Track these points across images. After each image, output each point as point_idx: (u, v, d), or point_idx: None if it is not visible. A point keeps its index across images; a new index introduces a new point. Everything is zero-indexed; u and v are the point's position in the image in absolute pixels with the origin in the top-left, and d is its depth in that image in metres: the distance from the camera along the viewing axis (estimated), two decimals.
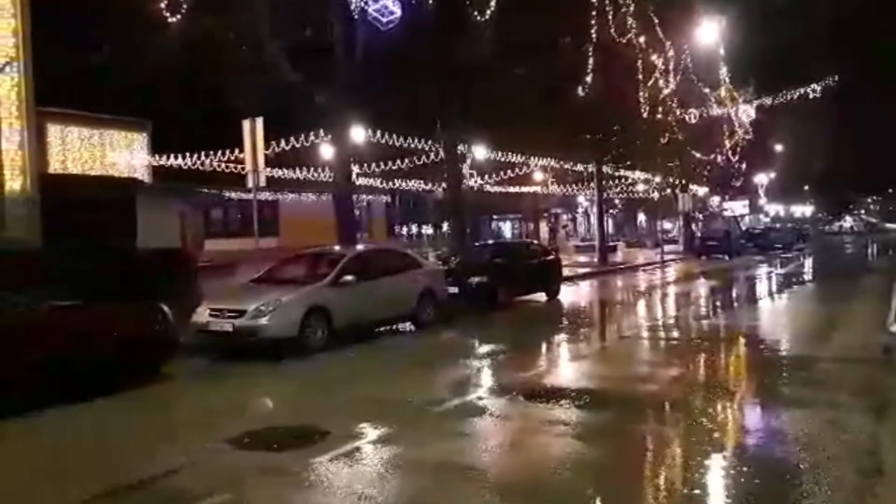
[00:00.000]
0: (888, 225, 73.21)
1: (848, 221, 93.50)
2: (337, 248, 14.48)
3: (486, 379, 9.26)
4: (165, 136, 26.84)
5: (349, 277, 11.60)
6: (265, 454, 6.09)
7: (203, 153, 27.63)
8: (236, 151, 24.42)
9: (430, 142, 27.06)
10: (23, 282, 8.75)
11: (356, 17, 15.13)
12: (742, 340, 11.98)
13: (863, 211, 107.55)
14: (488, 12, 17.52)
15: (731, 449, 5.99)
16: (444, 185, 25.98)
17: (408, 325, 13.27)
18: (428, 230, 46.71)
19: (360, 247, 15.08)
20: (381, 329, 12.77)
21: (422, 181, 35.80)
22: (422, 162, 29.61)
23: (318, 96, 16.65)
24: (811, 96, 29.05)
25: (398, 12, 14.63)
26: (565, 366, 10.24)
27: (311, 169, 30.43)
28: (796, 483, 5.00)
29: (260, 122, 13.55)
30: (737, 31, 30.45)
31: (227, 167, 28.15)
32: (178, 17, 12.80)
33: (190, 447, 6.29)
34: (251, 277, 12.73)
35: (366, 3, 14.52)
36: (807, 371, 8.92)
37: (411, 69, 20.75)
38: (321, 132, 24.19)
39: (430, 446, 6.19)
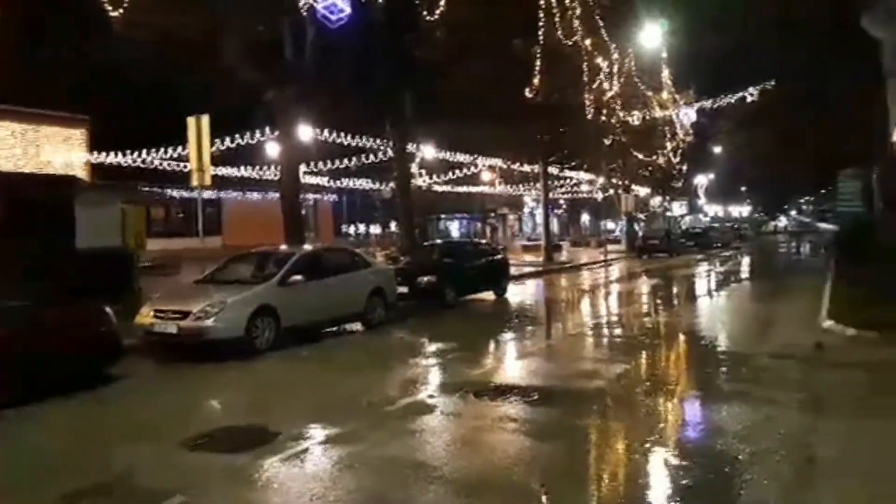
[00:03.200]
0: (820, 225, 76.10)
1: (783, 221, 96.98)
2: (284, 247, 14.34)
3: (437, 377, 9.32)
4: (108, 132, 26.04)
5: (297, 277, 11.52)
6: (217, 456, 6.02)
7: (146, 150, 26.97)
8: (180, 149, 23.93)
9: (379, 140, 27.01)
10: None
11: (305, 14, 14.98)
12: (683, 337, 12.35)
13: (795, 211, 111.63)
14: (438, 12, 17.56)
15: (673, 442, 6.19)
16: (392, 184, 25.97)
17: (357, 325, 13.23)
18: (376, 229, 46.57)
19: (307, 246, 14.95)
20: (331, 329, 12.70)
21: (370, 180, 35.70)
22: (370, 161, 29.55)
23: (267, 94, 16.44)
24: (749, 100, 30.04)
25: (348, 10, 14.54)
26: (514, 363, 10.39)
27: (258, 167, 30.01)
28: (735, 475, 5.21)
29: (206, 119, 13.31)
30: (679, 35, 31.28)
31: (170, 164, 27.55)
32: (121, 11, 12.45)
33: (139, 451, 6.17)
34: (196, 278, 12.51)
35: (315, 0, 14.39)
36: (745, 367, 9.25)
37: (362, 67, 20.68)
38: (268, 130, 23.89)
39: (381, 445, 6.21)
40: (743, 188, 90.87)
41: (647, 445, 6.03)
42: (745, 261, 35.00)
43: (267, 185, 31.13)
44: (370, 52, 20.84)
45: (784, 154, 47.91)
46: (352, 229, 47.62)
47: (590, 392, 8.06)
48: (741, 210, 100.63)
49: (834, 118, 29.04)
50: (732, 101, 30.87)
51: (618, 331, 13.32)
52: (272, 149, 26.14)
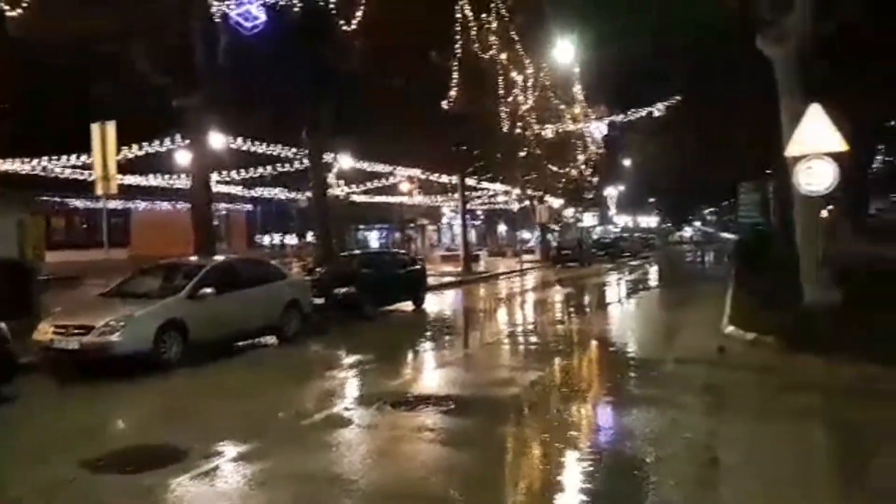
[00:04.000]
0: (723, 234, 79.91)
1: (688, 231, 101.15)
2: (194, 258, 13.89)
3: (353, 390, 9.24)
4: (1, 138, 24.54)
5: (207, 290, 11.17)
6: (122, 477, 5.76)
7: (47, 157, 25.58)
8: (84, 157, 22.83)
9: (295, 149, 26.60)
10: None
11: (218, 20, 14.61)
12: (595, 344, 12.71)
13: (700, 222, 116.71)
14: (355, 22, 17.50)
15: (585, 447, 6.35)
16: (308, 193, 25.60)
17: (272, 339, 12.95)
18: (292, 240, 45.74)
19: (219, 257, 14.54)
20: (244, 343, 12.38)
21: (286, 189, 35.08)
22: (286, 169, 29.05)
23: (177, 100, 15.92)
24: (656, 114, 31.30)
25: (263, 17, 14.30)
26: (431, 373, 10.41)
27: (168, 175, 28.97)
28: (644, 478, 5.40)
29: (111, 126, 12.75)
30: (591, 51, 32.26)
31: (73, 173, 26.23)
32: (19, 11, 11.80)
33: (38, 473, 5.83)
34: (101, 291, 11.96)
35: (228, 6, 14.07)
36: (653, 371, 9.61)
37: (278, 76, 20.34)
38: (178, 137, 23.13)
39: (296, 460, 6.10)
40: (651, 199, 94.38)
41: (561, 451, 6.17)
42: (653, 269, 36.35)
43: (177, 195, 30.09)
44: (287, 61, 20.53)
45: (690, 166, 50.05)
46: (267, 240, 46.58)
47: (505, 400, 8.17)
48: (649, 220, 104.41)
49: (736, 133, 30.56)
50: (641, 115, 32.09)
51: (533, 338, 13.56)
52: (183, 157, 25.32)
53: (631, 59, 27.14)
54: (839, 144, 10.87)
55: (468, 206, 39.25)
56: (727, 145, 31.66)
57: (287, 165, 28.71)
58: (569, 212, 58.44)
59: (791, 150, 11.28)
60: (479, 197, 46.36)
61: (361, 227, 52.55)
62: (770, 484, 5.23)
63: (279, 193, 35.74)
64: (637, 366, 10.29)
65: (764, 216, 31.79)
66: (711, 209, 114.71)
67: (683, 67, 25.01)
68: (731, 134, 29.45)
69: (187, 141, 18.95)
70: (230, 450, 6.37)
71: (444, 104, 24.31)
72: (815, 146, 10.95)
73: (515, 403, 8.01)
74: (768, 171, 28.61)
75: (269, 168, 29.53)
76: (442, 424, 7.08)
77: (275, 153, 27.38)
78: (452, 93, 24.21)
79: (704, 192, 69.89)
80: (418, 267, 19.84)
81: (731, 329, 12.00)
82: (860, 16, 11.91)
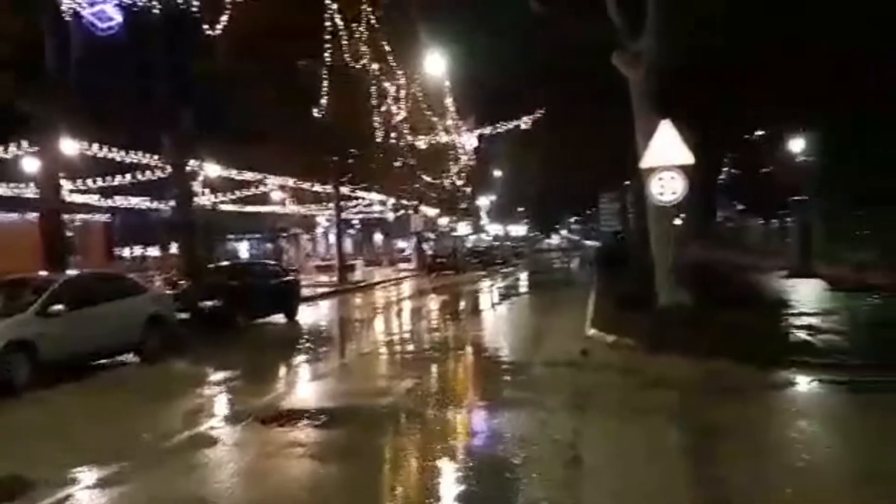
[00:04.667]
0: (587, 242, 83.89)
1: (555, 239, 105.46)
2: (44, 273, 12.89)
3: (221, 407, 8.90)
4: None
5: (59, 306, 10.39)
6: None
7: None
8: None
9: (157, 156, 25.32)
10: None
11: (69, 19, 13.67)
12: (469, 350, 12.97)
13: (566, 230, 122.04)
14: (219, 27, 16.94)
15: (458, 453, 6.45)
16: (172, 202, 24.43)
17: (132, 357, 12.23)
18: (156, 252, 43.41)
19: (71, 272, 13.56)
20: (102, 362, 11.61)
21: (149, 198, 33.25)
22: (148, 178, 27.55)
23: (22, 102, 14.73)
24: (523, 126, 32.47)
25: (118, 18, 13.52)
26: (304, 387, 10.22)
27: (15, 184, 26.66)
28: (513, 479, 5.57)
29: None
30: (463, 63, 32.99)
31: None
32: None
33: None
34: None
35: (80, 5, 13.20)
36: (523, 375, 9.92)
37: (139, 80, 19.34)
38: (23, 142, 21.38)
39: (157, 483, 5.80)
40: (521, 209, 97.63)
41: (434, 457, 6.25)
42: (523, 276, 37.56)
43: (25, 204, 27.75)
44: (146, 65, 19.59)
45: (555, 177, 52.17)
46: (127, 252, 43.94)
47: (380, 409, 8.16)
48: (520, 229, 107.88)
49: (598, 145, 32.19)
50: (509, 128, 33.16)
51: (409, 347, 13.63)
52: (31, 164, 23.43)
53: (498, 73, 28.01)
54: (687, 157, 11.74)
55: (344, 216, 38.92)
56: (589, 157, 33.28)
57: (149, 173, 27.25)
58: (444, 221, 59.33)
59: (645, 163, 12.07)
60: (354, 206, 46.09)
61: (231, 237, 50.76)
62: (628, 478, 5.55)
63: (140, 203, 33.84)
64: (508, 370, 10.58)
65: (623, 224, 33.72)
66: (576, 218, 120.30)
67: (547, 84, 26.08)
68: (593, 146, 30.97)
69: (36, 147, 17.59)
70: (85, 476, 5.96)
71: (316, 112, 24.02)
72: (666, 159, 11.77)
73: (390, 413, 8.02)
74: (627, 182, 30.35)
75: (128, 176, 27.91)
76: (314, 438, 6.98)
77: (136, 161, 25.93)
78: (324, 101, 23.97)
79: (570, 201, 73.21)
80: (290, 278, 19.44)
81: (593, 332, 12.62)
82: (707, 39, 12.93)
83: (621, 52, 13.21)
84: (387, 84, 28.23)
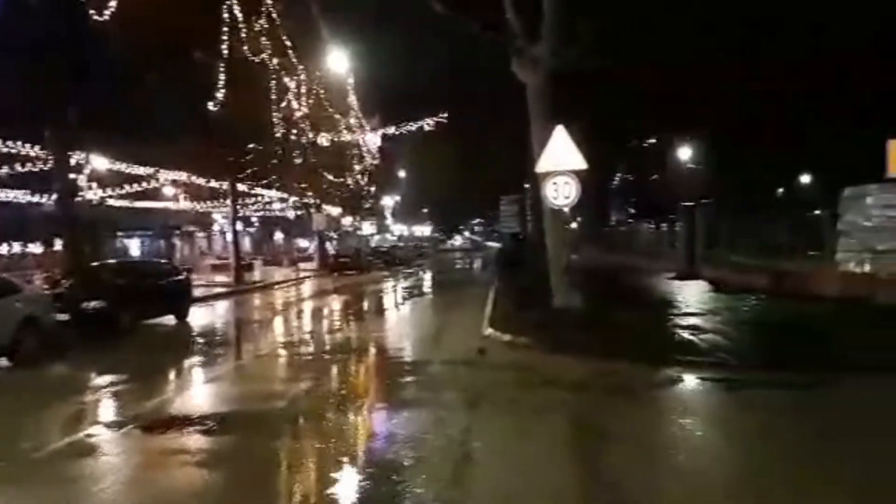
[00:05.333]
0: (489, 243, 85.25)
1: (458, 240, 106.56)
2: None
3: (101, 414, 8.42)
4: None
5: None
6: None
7: None
8: None
9: (38, 147, 23.75)
10: None
11: None
12: (370, 350, 12.87)
13: (469, 231, 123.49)
14: (108, 12, 16.07)
15: (350, 455, 6.38)
16: (55, 196, 22.98)
17: (4, 361, 11.40)
18: (37, 248, 40.74)
19: None
20: None
21: (28, 192, 31.12)
22: (27, 170, 25.79)
23: None
24: (427, 128, 32.63)
25: None
26: (193, 391, 9.84)
27: None
28: (403, 480, 5.54)
29: None
30: (367, 63, 32.81)
31: None
32: None
33: None
34: None
35: None
36: (422, 374, 9.94)
37: (17, 63, 18.07)
38: None
39: (26, 498, 5.42)
40: (425, 209, 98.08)
41: (326, 461, 6.15)
42: (426, 276, 37.71)
43: None
44: (29, 49, 18.32)
45: (458, 178, 52.75)
46: (5, 248, 41.02)
47: (272, 413, 7.96)
48: (424, 229, 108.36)
49: (499, 149, 32.78)
50: (412, 129, 33.24)
51: (307, 348, 13.38)
52: None
53: (402, 74, 28.07)
54: (580, 163, 12.12)
55: (243, 213, 37.85)
56: (491, 159, 33.90)
57: (30, 165, 25.50)
58: (347, 220, 58.73)
59: (540, 167, 12.37)
60: (253, 204, 44.88)
61: (121, 234, 48.32)
62: (517, 477, 5.64)
63: (20, 196, 31.63)
64: (406, 370, 10.57)
65: (522, 226, 34.43)
66: (480, 219, 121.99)
67: (449, 86, 26.37)
68: (494, 149, 31.56)
69: None
70: None
71: (211, 105, 23.21)
72: (560, 164, 12.11)
73: (283, 416, 7.83)
74: (526, 186, 31.05)
75: (6, 168, 26.03)
76: (200, 445, 6.71)
77: (13, 151, 24.21)
78: (219, 94, 23.19)
79: (473, 203, 74.23)
80: (182, 277, 18.66)
81: (490, 331, 12.81)
82: (598, 48, 13.40)
83: (519, 56, 13.48)
84: (287, 79, 27.66)
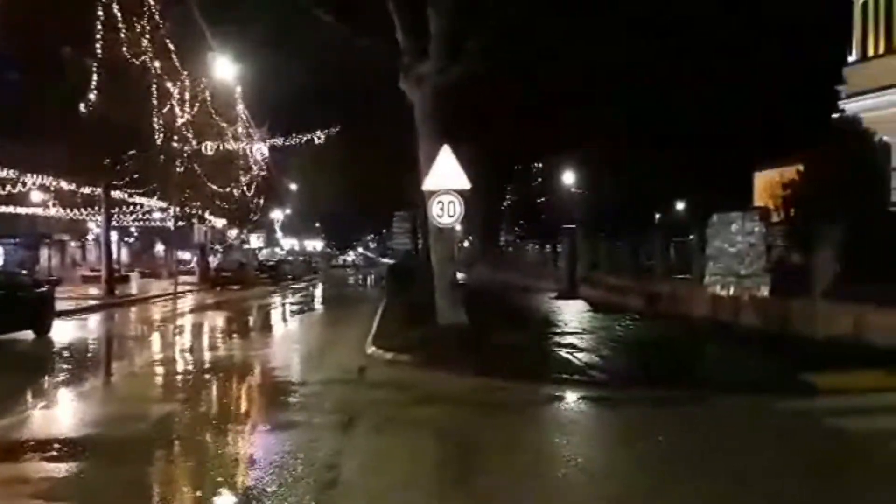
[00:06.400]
0: (383, 259, 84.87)
1: (351, 256, 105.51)
2: None
3: None
4: None
5: None
6: None
7: None
8: None
9: None
10: None
11: None
12: (247, 369, 12.36)
13: (363, 247, 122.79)
14: None
15: (210, 482, 5.99)
16: None
17: None
18: None
19: None
20: None
21: None
22: None
23: None
24: (317, 141, 32.08)
25: None
26: (44, 413, 9.00)
27: None
28: None
29: None
30: (255, 72, 31.91)
31: None
32: None
33: None
34: None
35: None
36: (297, 395, 9.62)
37: None
38: None
39: None
40: (318, 224, 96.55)
41: (181, 489, 5.78)
42: (315, 292, 36.99)
43: None
44: None
45: (352, 194, 52.23)
46: None
47: (131, 437, 7.39)
48: (316, 244, 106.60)
49: (392, 165, 32.69)
50: (302, 141, 32.64)
51: (173, 367, 12.70)
52: None
53: (291, 86, 27.51)
54: (465, 183, 12.24)
55: (120, 222, 35.76)
56: (384, 176, 33.76)
57: None
58: (233, 233, 56.74)
59: (426, 185, 12.38)
60: (132, 213, 42.55)
61: None
62: (384, 498, 5.50)
63: None
64: (282, 390, 10.19)
65: (414, 243, 34.51)
66: (374, 235, 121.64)
67: (342, 100, 26.10)
68: (388, 165, 31.47)
69: None
70: None
71: (83, 107, 21.81)
72: (446, 183, 12.17)
73: (142, 440, 7.29)
74: (418, 203, 31.14)
75: None
76: (45, 474, 6.13)
77: None
78: (92, 96, 21.84)
79: (367, 218, 73.86)
80: (43, 289, 17.30)
81: (373, 349, 12.64)
82: (484, 69, 13.65)
83: (406, 73, 13.50)
84: (170, 84, 26.50)
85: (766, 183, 21.89)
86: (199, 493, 5.71)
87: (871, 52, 33.33)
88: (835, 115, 22.79)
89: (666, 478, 5.95)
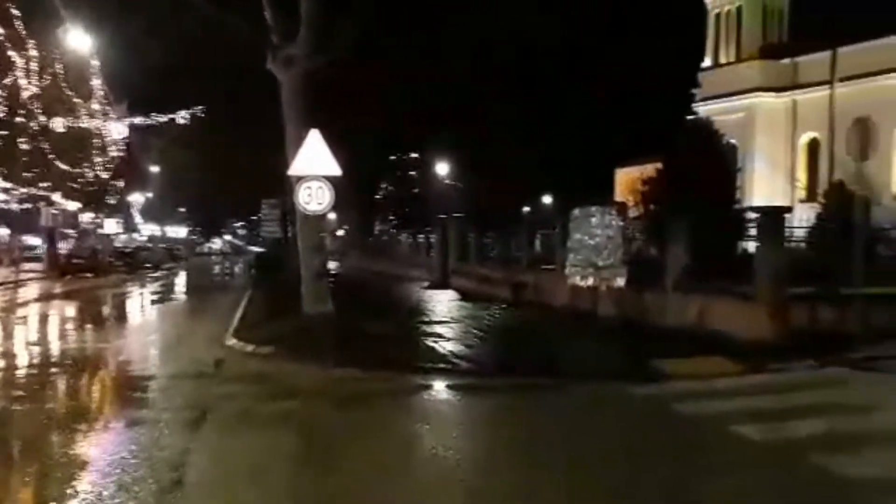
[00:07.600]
0: (252, 247, 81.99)
1: (218, 243, 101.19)
2: None
3: None
4: None
5: None
6: None
7: None
8: None
9: None
10: None
11: None
12: (93, 363, 11.47)
13: (231, 235, 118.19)
14: None
15: (41, 486, 5.52)
16: None
17: None
18: None
19: None
20: None
21: None
22: None
23: None
24: (181, 121, 30.46)
25: None
26: None
27: None
28: None
29: None
30: (113, 45, 29.76)
31: None
32: None
33: None
34: None
35: None
36: (146, 391, 8.99)
37: None
38: None
39: None
40: (182, 209, 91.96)
41: (8, 494, 5.20)
42: (175, 281, 35.11)
43: None
44: None
45: (219, 179, 50.07)
46: None
47: None
48: (180, 231, 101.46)
49: (261, 150, 31.56)
50: (164, 121, 30.88)
51: (14, 361, 11.60)
52: None
53: (151, 63, 25.85)
54: (335, 169, 11.88)
55: None
56: (253, 161, 32.54)
57: None
58: (87, 217, 52.92)
59: (293, 171, 11.93)
60: None
61: None
62: (228, 498, 5.23)
63: None
64: (131, 385, 9.51)
65: (284, 231, 33.53)
66: (243, 223, 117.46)
67: (205, 80, 24.85)
68: (256, 150, 30.35)
69: None
70: None
71: None
72: (314, 169, 11.76)
73: None
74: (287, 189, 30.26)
75: None
76: None
77: None
78: None
79: (235, 205, 71.08)
80: None
81: (233, 342, 12.11)
82: (354, 56, 13.37)
83: (274, 54, 12.98)
84: (14, 53, 24.22)
85: (628, 179, 23.05)
86: (24, 499, 5.16)
87: (722, 60, 36.01)
88: (689, 117, 24.29)
89: (525, 462, 6.05)
